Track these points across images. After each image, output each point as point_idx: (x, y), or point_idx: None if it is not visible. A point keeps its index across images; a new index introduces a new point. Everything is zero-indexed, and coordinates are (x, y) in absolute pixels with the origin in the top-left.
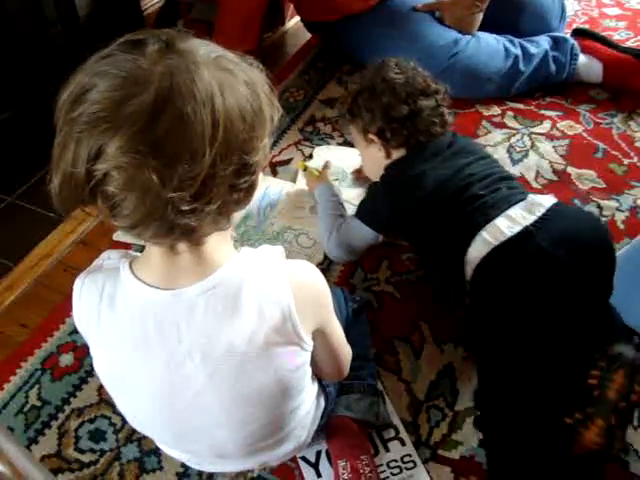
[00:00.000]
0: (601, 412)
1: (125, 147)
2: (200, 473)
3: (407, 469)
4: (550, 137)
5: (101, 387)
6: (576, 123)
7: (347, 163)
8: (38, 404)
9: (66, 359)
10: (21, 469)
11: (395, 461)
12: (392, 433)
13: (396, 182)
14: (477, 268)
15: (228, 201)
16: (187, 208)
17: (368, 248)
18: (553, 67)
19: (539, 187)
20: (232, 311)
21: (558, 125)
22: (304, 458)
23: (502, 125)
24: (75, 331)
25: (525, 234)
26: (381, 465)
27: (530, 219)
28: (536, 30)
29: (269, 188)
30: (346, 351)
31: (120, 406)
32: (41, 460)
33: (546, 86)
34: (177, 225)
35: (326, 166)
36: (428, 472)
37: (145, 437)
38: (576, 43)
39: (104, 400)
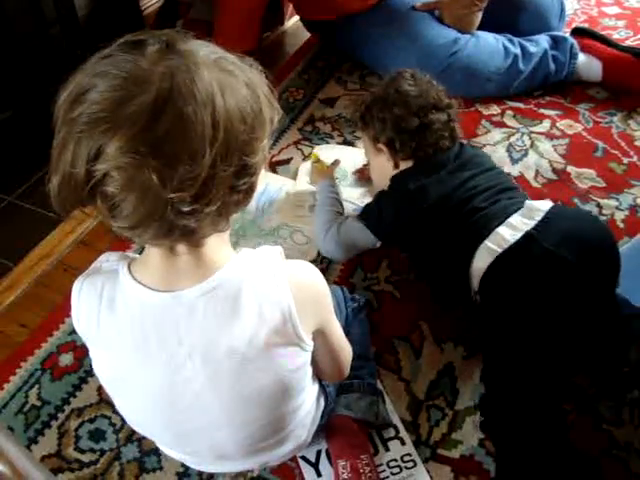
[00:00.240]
0: None
1: (125, 147)
2: (200, 473)
3: (407, 468)
4: (550, 136)
5: (101, 387)
6: (576, 122)
7: (347, 162)
8: (38, 404)
9: (66, 359)
10: (21, 469)
11: (395, 460)
12: (392, 432)
13: (401, 193)
14: (484, 278)
15: (228, 202)
16: (187, 209)
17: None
18: (552, 66)
19: (539, 186)
20: (232, 313)
21: (558, 124)
22: (304, 458)
23: (502, 124)
24: (75, 331)
25: (528, 238)
26: (381, 465)
27: (531, 224)
28: (535, 29)
29: (269, 184)
30: (346, 351)
31: (120, 407)
32: (41, 460)
33: (545, 85)
34: (177, 226)
35: (335, 163)
36: (428, 471)
37: (145, 437)
38: (575, 42)
39: (104, 400)
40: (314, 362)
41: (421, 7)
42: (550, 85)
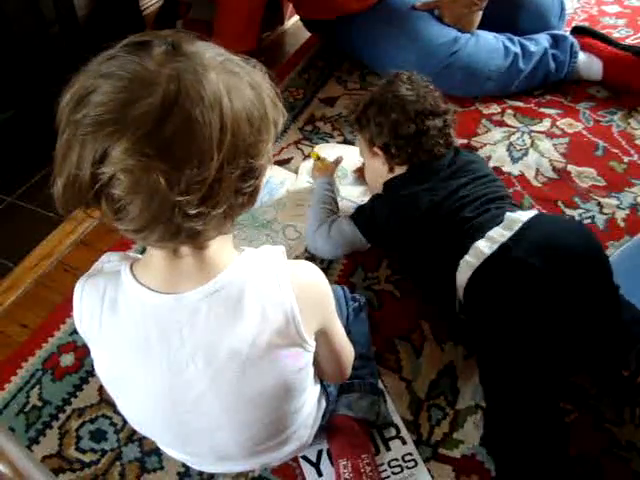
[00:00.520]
0: None
1: (132, 150)
2: (201, 473)
3: (408, 468)
4: (550, 135)
5: (102, 387)
6: (576, 121)
7: (347, 161)
8: (39, 404)
9: (67, 359)
10: (22, 469)
11: (396, 460)
12: (393, 432)
13: (393, 199)
14: (466, 289)
15: (233, 205)
16: (194, 212)
17: (353, 251)
18: (553, 65)
19: (539, 185)
20: (235, 314)
21: (558, 123)
22: (305, 457)
23: (502, 123)
24: (76, 331)
25: (503, 249)
26: (382, 464)
27: (508, 235)
28: (535, 28)
29: (272, 177)
30: (348, 351)
31: (121, 408)
32: (42, 460)
33: (546, 84)
34: (183, 229)
35: (337, 161)
36: (429, 471)
37: (146, 437)
38: (575, 41)
39: (105, 400)
40: (316, 363)
41: (421, 6)
42: (550, 84)
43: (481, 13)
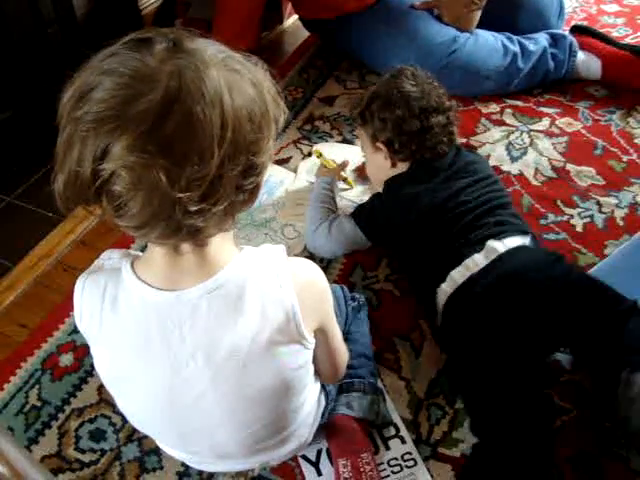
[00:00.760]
0: None
1: (133, 146)
2: (200, 472)
3: (408, 467)
4: (549, 134)
5: (101, 387)
6: (575, 120)
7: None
8: (38, 404)
9: (66, 359)
10: (21, 470)
11: (396, 459)
12: (392, 431)
13: (394, 199)
14: (442, 312)
15: (234, 202)
16: (194, 209)
17: (353, 251)
18: (552, 64)
19: (538, 184)
20: (235, 312)
21: (557, 122)
22: (305, 457)
23: (501, 122)
24: (75, 331)
25: (470, 280)
26: (382, 463)
27: (481, 265)
28: (534, 27)
29: (271, 176)
30: (343, 352)
31: (121, 406)
32: (41, 460)
33: (545, 83)
34: (184, 225)
35: (343, 165)
36: (429, 470)
37: (146, 437)
38: (575, 40)
39: (104, 400)
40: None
41: (420, 5)
42: (549, 83)
43: (480, 12)
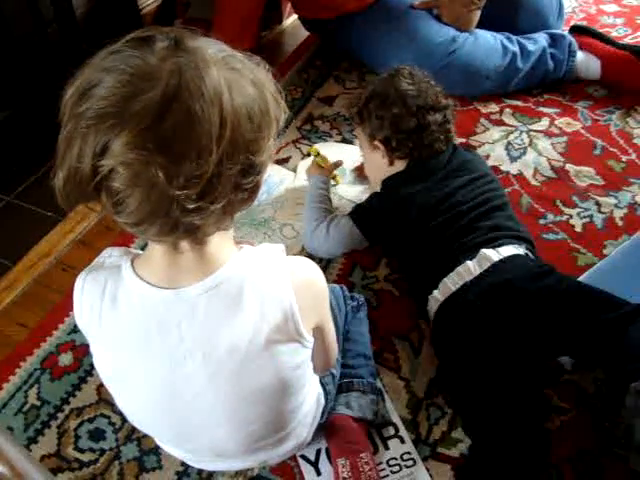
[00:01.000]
0: None
1: (132, 143)
2: (200, 472)
3: (407, 467)
4: (548, 134)
5: (100, 386)
6: (574, 120)
7: (346, 160)
8: (37, 404)
9: (65, 359)
10: (20, 469)
11: (395, 459)
12: (391, 431)
13: (391, 198)
14: (434, 319)
15: (233, 200)
16: (192, 206)
17: (351, 250)
18: (551, 64)
19: (537, 184)
20: (234, 310)
21: (556, 122)
22: (304, 457)
23: (500, 122)
24: (74, 330)
25: (462, 289)
26: (381, 463)
27: (475, 273)
28: (534, 27)
29: (270, 176)
30: (335, 346)
31: (120, 404)
32: (41, 460)
33: (544, 83)
34: (181, 223)
35: (337, 164)
36: (428, 470)
37: (145, 436)
38: (574, 40)
39: (103, 399)
40: None
41: (419, 5)
42: (549, 83)
43: (479, 12)
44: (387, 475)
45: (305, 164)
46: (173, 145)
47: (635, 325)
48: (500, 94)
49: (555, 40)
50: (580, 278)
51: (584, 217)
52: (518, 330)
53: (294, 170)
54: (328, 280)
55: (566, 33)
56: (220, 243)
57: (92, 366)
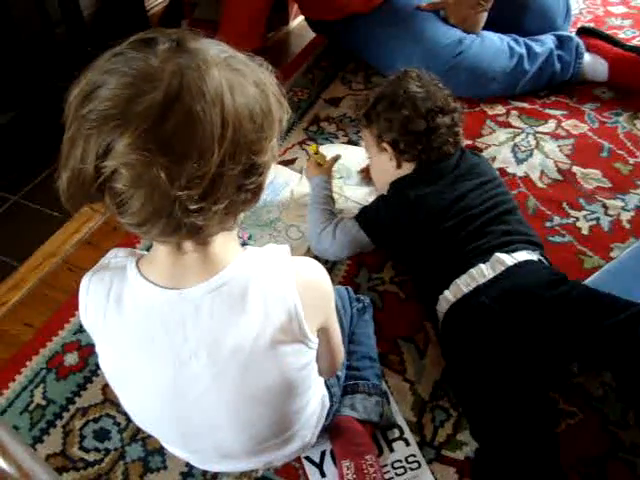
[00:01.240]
0: None
1: (134, 144)
2: (204, 473)
3: (411, 469)
4: (555, 136)
5: (106, 386)
6: (581, 122)
7: (353, 162)
8: (43, 403)
9: (71, 358)
10: (27, 469)
11: (399, 461)
12: (396, 433)
13: (400, 201)
14: (443, 319)
15: (235, 201)
16: (194, 207)
17: (358, 252)
18: (558, 66)
19: (544, 187)
20: (238, 311)
21: (563, 124)
22: (308, 458)
23: (507, 124)
24: (80, 330)
25: (475, 291)
26: (385, 465)
27: (488, 277)
28: (541, 29)
29: (276, 177)
30: (341, 349)
31: (125, 404)
32: (46, 459)
33: (551, 85)
34: (184, 224)
35: (335, 159)
36: (432, 473)
37: (150, 436)
38: (581, 42)
39: (109, 399)
40: None
41: (426, 7)
42: (555, 85)
43: (486, 14)
44: (392, 477)
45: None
46: (175, 146)
47: None
48: (507, 96)
49: (562, 42)
50: (589, 279)
51: (591, 220)
52: (530, 335)
53: (300, 171)
54: (334, 282)
55: (573, 35)
56: (224, 243)
57: (97, 366)
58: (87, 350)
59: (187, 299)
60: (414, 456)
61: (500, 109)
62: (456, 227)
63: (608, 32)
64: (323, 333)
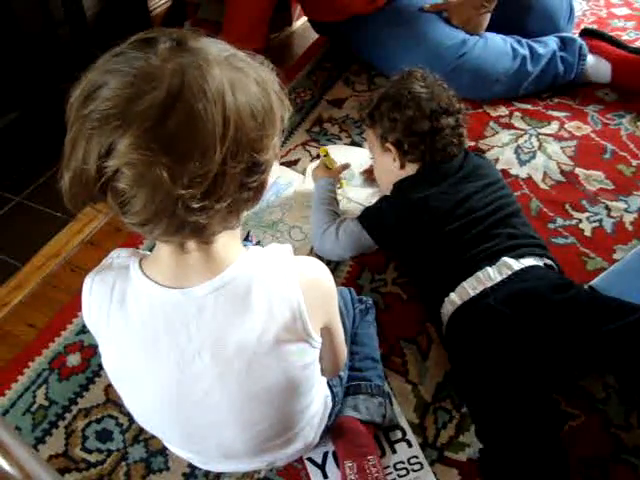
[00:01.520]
0: None
1: (136, 144)
2: (207, 474)
3: (414, 471)
4: (558, 138)
5: (108, 387)
6: (584, 124)
7: (355, 163)
8: (45, 404)
9: (73, 359)
10: (29, 470)
11: (402, 463)
12: (399, 434)
13: (404, 202)
14: (448, 321)
15: (238, 199)
16: (197, 206)
17: (360, 253)
18: (561, 67)
19: (547, 188)
20: (242, 310)
21: (566, 126)
22: (311, 459)
23: (510, 126)
24: (82, 331)
25: (482, 294)
26: (388, 467)
27: (495, 280)
28: (544, 30)
29: (279, 178)
30: (344, 349)
31: (128, 404)
32: (48, 460)
33: (554, 87)
34: (187, 223)
35: (344, 167)
36: (435, 474)
37: (152, 437)
38: (584, 43)
39: (111, 400)
40: None
41: (429, 8)
42: (559, 86)
43: (489, 15)
44: (394, 479)
45: (314, 166)
46: (177, 145)
47: None
48: (510, 97)
49: (565, 43)
50: (594, 281)
51: (593, 221)
52: (538, 337)
53: (303, 172)
54: (336, 282)
55: (576, 36)
56: (227, 243)
57: (100, 367)
58: (89, 351)
59: (191, 298)
60: (416, 457)
61: (503, 110)
62: (461, 229)
63: (611, 34)
64: (326, 332)
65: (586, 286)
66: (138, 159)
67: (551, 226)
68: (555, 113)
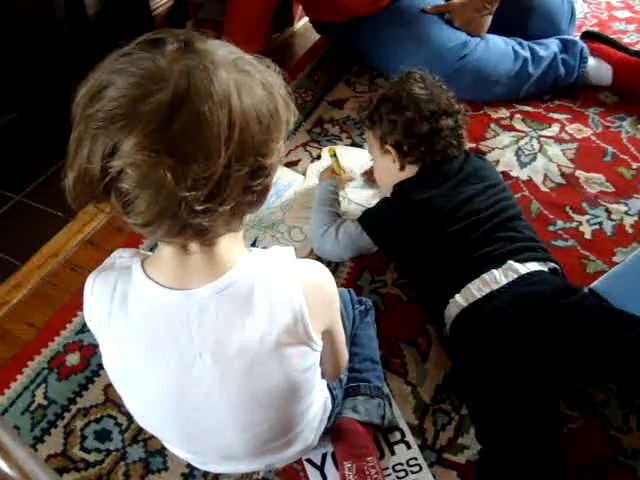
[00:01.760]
0: None
1: (141, 145)
2: (205, 474)
3: (413, 472)
4: (559, 140)
5: (107, 387)
6: (585, 126)
7: (355, 164)
8: (44, 403)
9: (72, 358)
10: (27, 470)
11: (401, 464)
12: (398, 436)
13: (404, 203)
14: (453, 323)
15: (241, 202)
16: (200, 208)
17: (360, 255)
18: (562, 70)
19: (547, 190)
20: (243, 312)
21: (567, 128)
22: (310, 460)
23: (510, 128)
24: (82, 330)
25: (488, 296)
26: (387, 468)
27: (501, 283)
28: (545, 33)
29: (280, 178)
30: (345, 353)
31: (128, 404)
32: (47, 459)
33: (555, 89)
34: (190, 225)
35: (350, 178)
36: (434, 476)
37: (151, 437)
38: (585, 46)
39: (110, 400)
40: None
41: (431, 10)
42: (559, 89)
43: (491, 17)
44: None
45: (315, 167)
46: (181, 146)
47: None
48: (510, 99)
49: (566, 46)
50: (595, 283)
51: (594, 224)
52: (542, 340)
53: (303, 173)
54: (336, 283)
55: (578, 39)
56: (230, 245)
57: (99, 366)
58: (89, 350)
59: (193, 300)
60: (415, 459)
61: (504, 112)
62: (463, 232)
63: (612, 36)
64: (327, 336)
65: (586, 289)
66: (142, 160)
67: (551, 228)
68: (556, 115)
